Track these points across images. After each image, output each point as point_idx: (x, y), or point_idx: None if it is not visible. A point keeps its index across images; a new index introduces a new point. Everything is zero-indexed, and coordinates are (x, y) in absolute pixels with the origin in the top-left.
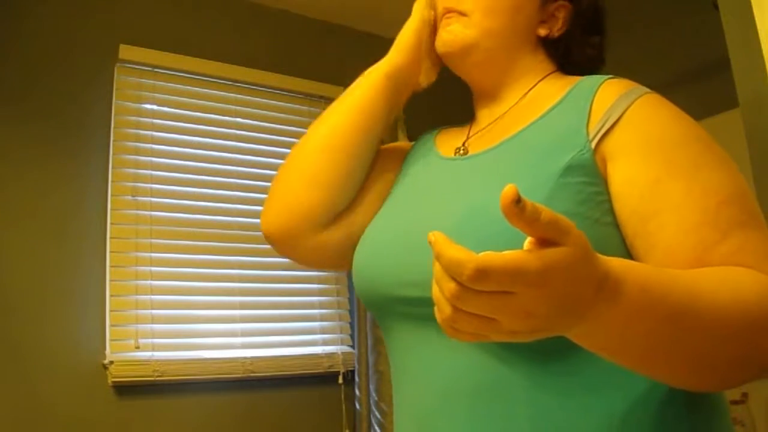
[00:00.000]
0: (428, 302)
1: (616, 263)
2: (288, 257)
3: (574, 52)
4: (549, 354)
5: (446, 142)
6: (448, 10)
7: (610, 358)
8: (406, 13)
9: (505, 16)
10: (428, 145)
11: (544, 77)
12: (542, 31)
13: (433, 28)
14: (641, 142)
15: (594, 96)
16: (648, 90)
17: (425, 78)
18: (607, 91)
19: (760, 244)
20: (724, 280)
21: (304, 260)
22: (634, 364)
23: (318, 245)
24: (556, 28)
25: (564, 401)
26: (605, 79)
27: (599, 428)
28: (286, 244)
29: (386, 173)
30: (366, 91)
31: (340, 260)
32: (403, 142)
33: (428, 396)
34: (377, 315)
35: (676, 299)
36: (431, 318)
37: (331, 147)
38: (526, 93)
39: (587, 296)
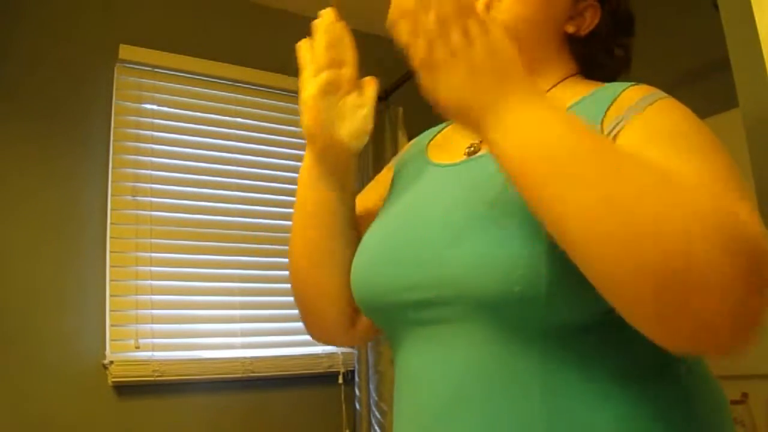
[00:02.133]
0: (426, 304)
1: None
2: None
3: (599, 53)
4: (564, 352)
5: (448, 144)
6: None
7: (515, 178)
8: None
9: (537, 5)
10: (420, 154)
11: (566, 78)
12: (570, 28)
13: (344, 86)
14: (649, 130)
15: (616, 98)
16: (668, 95)
17: (354, 142)
18: (630, 94)
19: (736, 187)
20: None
21: (354, 345)
22: (541, 195)
23: (360, 334)
24: (585, 26)
25: (580, 401)
26: (630, 85)
27: (617, 427)
28: (335, 344)
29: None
30: (308, 191)
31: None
32: (387, 170)
33: (435, 401)
34: (380, 324)
35: (599, 137)
36: (433, 321)
37: (317, 260)
38: (546, 91)
39: (518, 72)
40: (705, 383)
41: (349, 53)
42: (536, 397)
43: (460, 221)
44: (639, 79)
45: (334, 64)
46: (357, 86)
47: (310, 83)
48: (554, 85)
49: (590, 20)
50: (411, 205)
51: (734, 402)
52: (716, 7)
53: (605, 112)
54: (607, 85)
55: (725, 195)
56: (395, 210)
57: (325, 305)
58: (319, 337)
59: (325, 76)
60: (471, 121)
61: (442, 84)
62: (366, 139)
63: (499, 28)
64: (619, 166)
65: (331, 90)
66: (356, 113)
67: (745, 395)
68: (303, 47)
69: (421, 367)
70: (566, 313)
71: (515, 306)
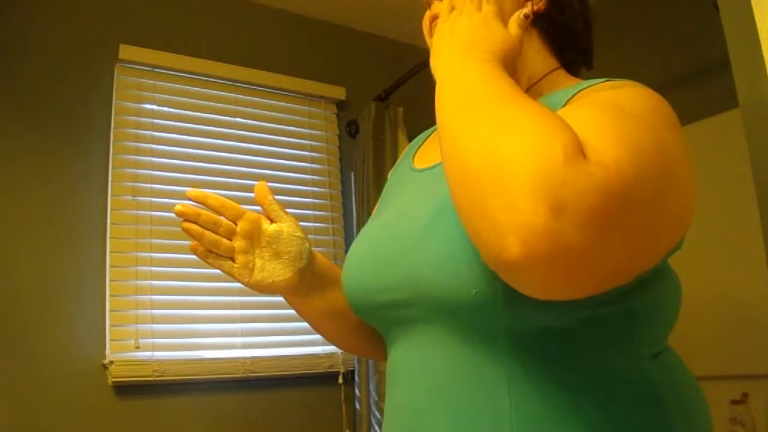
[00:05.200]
0: (400, 305)
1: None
2: None
3: (561, 17)
4: (530, 355)
5: (431, 147)
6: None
7: (445, 106)
8: (406, 14)
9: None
10: (408, 158)
11: (545, 75)
12: (525, 9)
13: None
14: (582, 100)
15: (581, 89)
16: (637, 84)
17: (297, 265)
18: (600, 84)
19: (616, 131)
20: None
21: None
22: (439, 124)
23: None
24: (540, 2)
25: (547, 406)
26: (607, 79)
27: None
28: None
29: None
30: (300, 311)
31: None
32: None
33: (413, 399)
34: (372, 324)
35: (499, 87)
36: (409, 321)
37: (343, 341)
38: (529, 88)
39: (482, 43)
40: (681, 391)
41: (224, 209)
42: (504, 401)
43: (426, 224)
44: (639, 80)
45: (227, 233)
46: (258, 222)
47: (234, 273)
48: (537, 81)
49: None
50: (390, 210)
51: (734, 402)
52: (716, 7)
53: (570, 98)
54: (579, 82)
55: (573, 145)
56: (379, 216)
57: (360, 351)
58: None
59: (237, 265)
60: (434, 65)
61: (436, 43)
62: (305, 253)
63: (487, 7)
64: (495, 108)
65: (247, 259)
66: (280, 244)
67: (745, 395)
68: (206, 257)
69: (403, 364)
70: (528, 316)
71: (475, 308)
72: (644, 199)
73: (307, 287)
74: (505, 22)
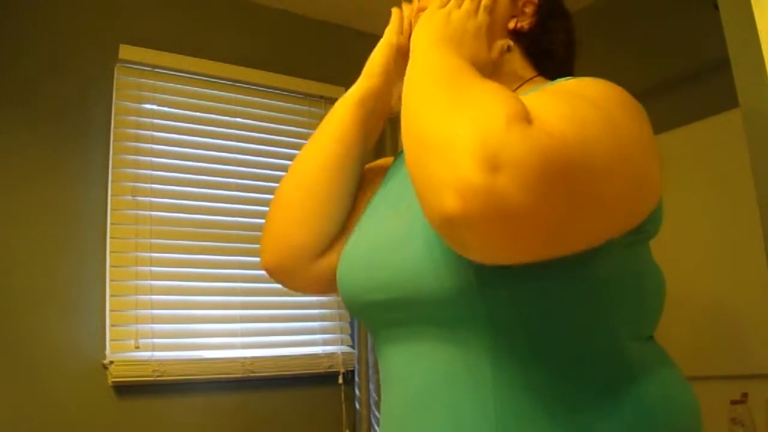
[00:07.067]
0: (390, 304)
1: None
2: (289, 288)
3: (544, 41)
4: (513, 349)
5: None
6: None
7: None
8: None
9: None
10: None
11: (523, 83)
12: (511, 24)
13: (403, 53)
14: (543, 90)
15: (546, 86)
16: (599, 79)
17: (399, 102)
18: (561, 81)
19: (565, 112)
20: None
21: (305, 289)
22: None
23: (315, 274)
24: (525, 20)
25: (530, 400)
26: (568, 77)
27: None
28: (285, 278)
29: (373, 191)
30: (340, 120)
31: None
32: (388, 158)
33: (405, 399)
34: (366, 326)
35: (462, 74)
36: (399, 322)
37: (313, 183)
38: None
39: (466, 43)
40: (664, 382)
41: None
42: (488, 395)
43: (410, 222)
44: (639, 79)
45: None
46: None
47: (393, 34)
48: (517, 88)
49: (530, 15)
50: (384, 207)
51: (734, 402)
52: (716, 7)
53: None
54: (556, 79)
55: (518, 114)
56: (373, 211)
57: (301, 222)
58: (277, 261)
59: (401, 40)
60: (416, 43)
61: (423, 23)
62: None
63: (483, 17)
64: (454, 88)
65: (401, 51)
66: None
67: (745, 395)
68: (395, 11)
69: (393, 365)
70: (505, 307)
71: (454, 303)
72: (591, 171)
73: (365, 113)
74: (494, 26)
